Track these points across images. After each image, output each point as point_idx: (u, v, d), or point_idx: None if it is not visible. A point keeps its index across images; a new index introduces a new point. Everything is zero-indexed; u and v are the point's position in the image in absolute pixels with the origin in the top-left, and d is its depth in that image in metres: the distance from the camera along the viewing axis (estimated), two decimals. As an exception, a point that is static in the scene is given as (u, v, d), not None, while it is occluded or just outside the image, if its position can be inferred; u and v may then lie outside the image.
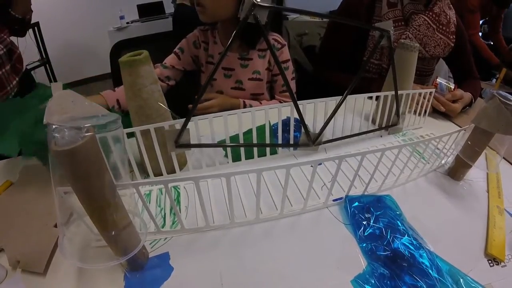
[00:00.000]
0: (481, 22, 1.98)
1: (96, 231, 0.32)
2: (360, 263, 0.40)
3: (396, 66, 0.59)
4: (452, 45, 0.90)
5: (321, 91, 0.79)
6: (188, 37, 0.91)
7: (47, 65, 2.72)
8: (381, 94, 0.64)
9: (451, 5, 0.90)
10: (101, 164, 0.28)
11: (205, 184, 0.52)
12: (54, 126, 0.25)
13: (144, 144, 0.50)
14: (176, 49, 0.91)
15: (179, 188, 0.52)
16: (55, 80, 2.70)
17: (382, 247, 0.41)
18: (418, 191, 0.53)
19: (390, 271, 0.38)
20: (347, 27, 0.91)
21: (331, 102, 0.59)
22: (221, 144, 0.55)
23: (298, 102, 0.50)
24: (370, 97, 0.65)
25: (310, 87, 0.99)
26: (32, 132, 0.48)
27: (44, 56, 2.69)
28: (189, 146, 0.49)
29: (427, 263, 0.39)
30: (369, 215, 0.45)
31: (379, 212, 0.45)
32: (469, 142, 0.51)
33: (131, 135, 0.49)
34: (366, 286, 0.37)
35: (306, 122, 0.51)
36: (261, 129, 0.56)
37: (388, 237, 0.42)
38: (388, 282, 0.37)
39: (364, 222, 0.44)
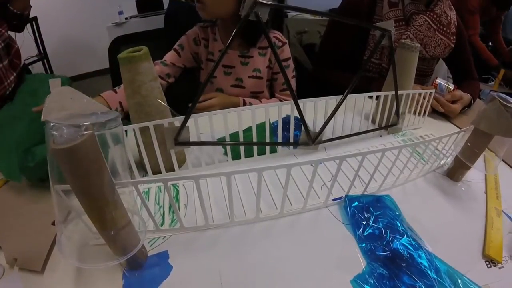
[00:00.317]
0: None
1: (94, 230, 0.31)
2: (360, 263, 0.40)
3: (396, 66, 0.59)
4: (453, 46, 0.90)
5: (320, 89, 0.79)
6: (188, 33, 0.90)
7: (44, 60, 2.70)
8: (381, 93, 0.64)
9: (452, 6, 0.90)
10: (100, 163, 0.27)
11: (205, 182, 0.52)
12: (52, 124, 0.25)
13: (143, 142, 0.49)
14: (176, 46, 0.90)
15: (178, 186, 0.52)
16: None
17: (381, 247, 0.41)
18: (417, 192, 0.53)
19: (389, 271, 0.38)
20: (347, 26, 0.90)
21: (331, 101, 0.59)
22: (220, 142, 0.55)
23: (299, 100, 0.50)
24: (370, 97, 0.65)
25: (309, 85, 0.98)
26: (13, 159, 0.46)
27: (42, 51, 2.67)
28: (188, 144, 0.49)
29: (425, 264, 0.39)
30: (369, 215, 0.45)
31: (378, 212, 0.45)
32: (468, 144, 0.52)
33: (129, 132, 0.48)
34: (366, 286, 0.37)
35: (306, 121, 0.51)
36: (261, 127, 0.56)
37: (387, 237, 0.42)
38: (387, 282, 0.37)
39: (364, 222, 0.44)
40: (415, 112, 0.71)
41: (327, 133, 0.60)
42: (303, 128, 0.52)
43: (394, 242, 0.41)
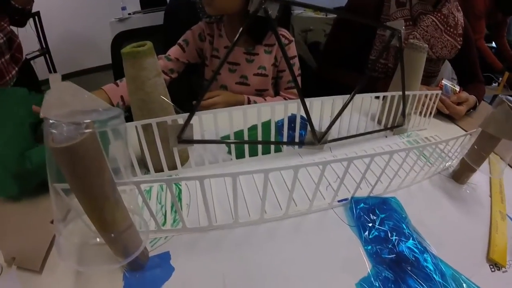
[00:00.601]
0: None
1: (94, 229, 0.30)
2: (365, 266, 0.39)
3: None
4: (459, 47, 0.89)
5: (324, 88, 0.78)
6: (193, 29, 0.89)
7: (46, 55, 2.69)
8: (388, 94, 0.64)
9: (459, 7, 0.89)
10: (101, 162, 0.26)
11: (208, 181, 0.51)
12: (51, 121, 0.24)
13: (145, 139, 0.49)
14: (180, 41, 0.89)
15: (180, 185, 0.51)
16: (55, 71, 2.66)
17: (387, 250, 0.40)
18: (422, 194, 0.53)
19: (395, 275, 0.38)
20: (354, 25, 0.90)
21: (337, 100, 0.58)
22: (225, 141, 0.54)
23: (305, 99, 0.49)
24: (377, 97, 0.64)
25: (313, 84, 0.97)
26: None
27: (44, 46, 2.66)
28: (192, 142, 0.48)
29: (431, 267, 0.39)
30: (375, 217, 0.44)
31: (384, 215, 0.45)
32: (475, 146, 0.51)
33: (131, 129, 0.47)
34: (371, 290, 0.36)
35: (312, 120, 0.50)
36: (265, 125, 0.55)
37: (393, 240, 0.41)
38: (392, 286, 0.37)
39: (370, 224, 0.43)
40: (420, 113, 0.70)
41: (333, 133, 0.59)
42: (308, 128, 0.51)
43: (400, 245, 0.41)
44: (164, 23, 1.20)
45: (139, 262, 0.36)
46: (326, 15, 1.50)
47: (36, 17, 2.48)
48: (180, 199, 0.48)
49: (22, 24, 0.97)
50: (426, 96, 0.67)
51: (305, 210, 0.46)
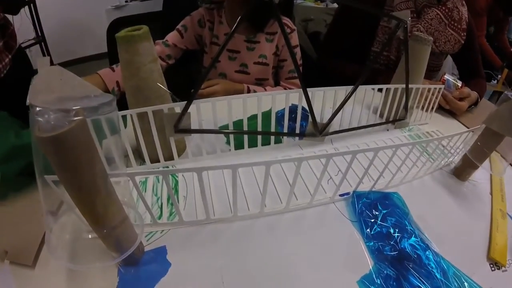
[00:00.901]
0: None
1: (87, 223, 0.28)
2: (367, 262, 0.38)
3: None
4: (463, 42, 0.88)
5: (325, 79, 0.77)
6: (192, 14, 0.86)
7: (42, 43, 2.61)
8: (391, 86, 0.62)
9: (464, 2, 0.87)
10: (92, 153, 0.24)
11: (206, 173, 0.50)
12: (38, 109, 0.22)
13: (140, 128, 0.46)
14: (179, 26, 0.86)
15: (177, 176, 0.49)
16: (51, 59, 2.59)
17: (389, 246, 0.40)
18: (424, 190, 0.52)
19: (396, 272, 0.37)
20: (356, 15, 0.88)
21: (340, 91, 0.56)
22: (223, 131, 0.52)
23: (307, 89, 0.47)
24: (380, 90, 0.62)
25: (313, 74, 0.95)
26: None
27: (40, 34, 2.58)
28: (189, 131, 0.46)
29: (433, 265, 0.38)
30: (377, 213, 0.43)
31: (386, 210, 0.44)
32: (478, 143, 0.51)
33: (125, 117, 0.45)
34: (372, 287, 0.36)
35: (313, 111, 0.48)
36: (265, 116, 0.53)
37: (396, 237, 0.41)
38: (394, 283, 0.36)
39: (372, 220, 0.42)
40: (422, 107, 0.69)
41: (334, 125, 0.58)
42: (310, 119, 0.49)
43: (402, 241, 0.40)
44: (163, 10, 1.16)
45: (134, 257, 0.35)
46: (326, 5, 1.47)
47: (31, 4, 2.39)
48: (176, 191, 0.47)
49: (14, 11, 0.92)
50: (429, 90, 0.66)
51: (306, 204, 0.45)
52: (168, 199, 0.44)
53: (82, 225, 0.31)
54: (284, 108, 0.55)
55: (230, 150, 0.55)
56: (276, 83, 0.94)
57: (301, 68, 0.91)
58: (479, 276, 0.38)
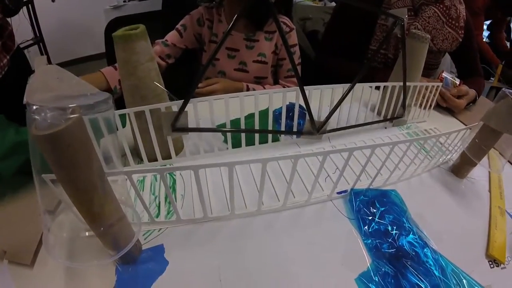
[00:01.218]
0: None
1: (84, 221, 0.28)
2: (365, 260, 0.38)
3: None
4: (460, 40, 0.88)
5: (323, 77, 0.76)
6: (192, 13, 0.87)
7: (40, 43, 2.61)
8: (389, 84, 0.62)
9: (461, 0, 0.87)
10: (89, 151, 0.24)
11: (203, 171, 0.50)
12: (34, 107, 0.22)
13: (138, 127, 0.46)
14: (178, 26, 0.87)
15: (174, 175, 0.49)
16: (49, 59, 2.58)
17: (387, 244, 0.40)
18: (422, 187, 0.52)
19: (394, 269, 0.37)
20: (354, 14, 0.88)
21: (337, 89, 0.56)
22: (220, 129, 0.52)
23: (304, 87, 0.47)
24: (378, 87, 0.62)
25: (312, 73, 0.95)
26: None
27: (38, 35, 2.57)
28: (186, 130, 0.46)
29: (431, 263, 0.38)
30: (375, 210, 0.43)
31: (384, 208, 0.44)
32: (476, 140, 0.51)
33: (124, 117, 0.45)
34: (370, 285, 0.36)
35: (311, 109, 0.48)
36: (263, 114, 0.53)
37: (394, 234, 0.40)
38: (392, 281, 0.36)
39: (369, 218, 0.42)
40: (420, 105, 0.69)
41: (332, 123, 0.58)
42: (307, 117, 0.49)
43: (400, 239, 0.40)
44: (162, 9, 1.16)
45: (131, 255, 0.35)
46: (325, 4, 1.47)
47: (29, 5, 2.39)
48: (174, 190, 0.47)
49: (13, 12, 0.92)
50: (426, 88, 0.66)
51: (304, 202, 0.45)
52: (165, 198, 0.44)
53: (80, 224, 0.31)
54: (282, 107, 0.55)
55: (227, 148, 0.55)
56: (275, 82, 0.94)
57: (300, 66, 0.91)
58: (478, 274, 0.38)
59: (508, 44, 2.10)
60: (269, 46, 0.86)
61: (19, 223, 0.39)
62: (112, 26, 1.02)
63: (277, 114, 0.62)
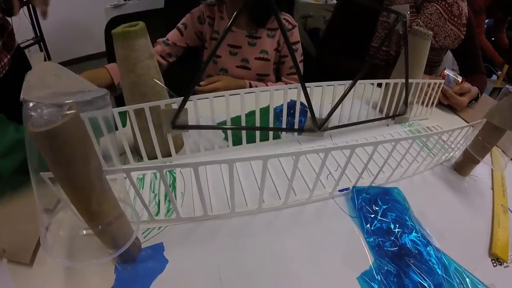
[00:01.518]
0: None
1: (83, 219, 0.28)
2: (367, 258, 0.38)
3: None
4: (463, 37, 0.87)
5: (325, 75, 0.76)
6: (193, 11, 0.87)
7: (41, 43, 2.61)
8: (391, 81, 0.61)
9: None
10: (86, 148, 0.24)
11: (203, 169, 0.49)
12: (31, 104, 0.21)
13: (137, 125, 0.46)
14: (179, 24, 0.87)
15: (174, 173, 0.49)
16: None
17: (390, 242, 0.39)
18: (424, 185, 0.51)
19: (397, 268, 0.37)
20: (355, 11, 0.87)
21: (339, 86, 0.56)
22: (221, 126, 0.52)
23: (306, 84, 0.47)
24: (379, 85, 0.62)
25: (313, 70, 0.95)
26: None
27: (39, 34, 2.57)
28: (186, 127, 0.46)
29: (434, 261, 0.38)
30: (377, 208, 0.43)
31: (386, 206, 0.43)
32: (479, 137, 0.50)
33: (124, 115, 0.45)
34: (372, 284, 0.35)
35: (312, 107, 0.48)
36: (264, 111, 0.53)
37: (396, 232, 0.40)
38: (395, 279, 0.36)
39: (372, 216, 0.42)
40: (422, 102, 0.68)
41: (333, 121, 0.57)
42: (308, 114, 0.49)
43: (403, 237, 0.40)
44: (165, 6, 1.16)
45: (131, 254, 0.34)
46: (326, 2, 1.46)
47: (30, 4, 2.38)
48: (174, 188, 0.46)
49: (7, 12, 0.92)
50: (428, 85, 0.65)
51: (305, 200, 0.44)
52: (165, 196, 0.44)
53: (78, 222, 0.31)
54: (283, 104, 0.54)
55: (228, 146, 0.55)
56: (278, 79, 0.94)
57: (302, 64, 0.91)
58: (481, 272, 0.38)
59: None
60: (271, 43, 0.86)
61: (19, 222, 0.39)
62: (112, 25, 1.02)
63: (278, 112, 0.61)
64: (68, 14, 2.98)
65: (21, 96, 0.23)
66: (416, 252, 0.38)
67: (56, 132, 0.21)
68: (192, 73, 1.01)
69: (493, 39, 2.08)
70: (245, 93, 0.50)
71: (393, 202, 0.44)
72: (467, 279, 0.37)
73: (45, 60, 0.35)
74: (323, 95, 0.56)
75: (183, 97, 0.43)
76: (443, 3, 0.83)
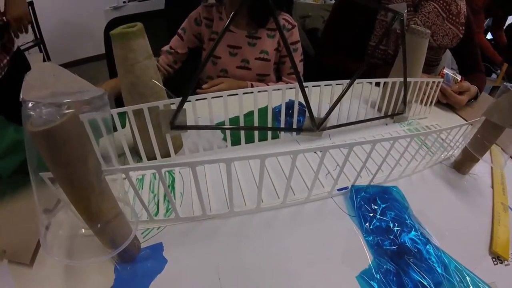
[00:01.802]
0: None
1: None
2: (366, 257, 0.38)
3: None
4: (461, 36, 0.87)
5: (323, 75, 0.76)
6: (190, 15, 0.88)
7: (41, 45, 2.62)
8: (389, 80, 0.62)
9: None
10: (85, 147, 0.24)
11: (202, 169, 0.49)
12: (30, 103, 0.22)
13: (136, 125, 0.46)
14: (179, 30, 0.88)
15: (173, 173, 0.49)
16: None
17: (389, 241, 0.39)
18: (424, 184, 0.51)
19: (396, 267, 0.36)
20: (353, 10, 0.87)
21: (337, 86, 0.56)
22: (219, 127, 0.52)
23: (304, 84, 0.47)
24: (378, 84, 0.62)
25: (311, 70, 0.95)
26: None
27: (38, 36, 2.58)
28: (185, 128, 0.46)
29: (433, 259, 0.38)
30: (376, 207, 0.43)
31: (385, 204, 0.43)
32: (478, 135, 0.50)
33: (123, 116, 0.45)
34: (372, 283, 0.35)
35: (311, 106, 0.48)
36: (262, 111, 0.53)
37: (395, 231, 0.40)
38: (394, 278, 0.36)
39: (371, 214, 0.42)
40: (421, 101, 0.68)
41: (332, 120, 0.57)
42: (307, 114, 0.49)
43: (402, 236, 0.40)
44: (165, 7, 1.17)
45: (130, 253, 0.34)
46: (324, 2, 1.46)
47: (30, 7, 2.40)
48: (173, 188, 0.46)
49: None
50: (427, 84, 0.65)
51: (304, 199, 0.44)
52: (164, 196, 0.44)
53: (78, 222, 0.31)
54: (281, 104, 0.54)
55: (226, 146, 0.55)
56: (278, 79, 0.94)
57: (302, 63, 0.91)
58: (481, 270, 0.38)
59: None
60: (271, 43, 0.86)
61: (19, 222, 0.39)
62: (112, 26, 1.02)
63: (276, 112, 0.61)
64: (68, 16, 3.00)
65: (21, 96, 0.23)
66: (416, 250, 0.38)
67: (54, 132, 0.21)
68: (192, 74, 1.01)
69: (492, 39, 2.08)
70: (244, 93, 0.50)
71: (392, 201, 0.44)
72: (467, 278, 0.37)
73: (44, 61, 0.35)
74: (321, 94, 0.56)
75: (181, 98, 0.43)
76: (441, 1, 0.82)
